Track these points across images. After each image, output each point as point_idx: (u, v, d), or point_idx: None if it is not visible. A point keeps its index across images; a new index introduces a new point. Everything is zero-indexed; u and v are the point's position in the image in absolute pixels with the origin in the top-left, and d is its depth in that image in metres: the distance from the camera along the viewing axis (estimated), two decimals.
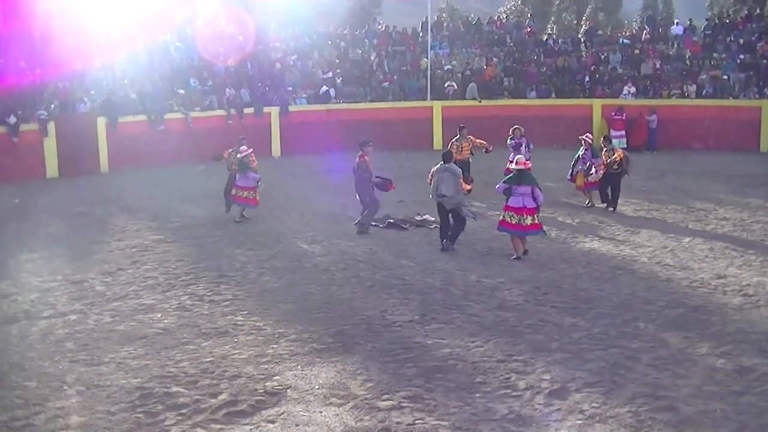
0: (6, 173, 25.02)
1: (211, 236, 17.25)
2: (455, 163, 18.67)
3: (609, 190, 19.60)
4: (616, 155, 19.38)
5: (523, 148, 20.77)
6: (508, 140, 21.41)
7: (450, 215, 16.00)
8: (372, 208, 17.62)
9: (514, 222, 15.16)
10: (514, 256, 15.29)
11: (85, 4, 29.65)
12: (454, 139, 21.41)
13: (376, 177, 17.75)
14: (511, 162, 17.09)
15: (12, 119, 25.49)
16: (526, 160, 16.11)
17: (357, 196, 17.83)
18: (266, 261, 15.17)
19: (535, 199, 15.11)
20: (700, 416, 8.50)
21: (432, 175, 16.09)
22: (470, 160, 21.53)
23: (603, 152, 19.73)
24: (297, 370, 9.89)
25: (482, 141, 21.57)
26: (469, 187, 16.47)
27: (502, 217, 15.46)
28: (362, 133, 20.57)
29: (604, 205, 19.70)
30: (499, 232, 15.77)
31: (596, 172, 19.59)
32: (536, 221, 15.33)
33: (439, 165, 16.06)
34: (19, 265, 15.26)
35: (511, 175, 15.74)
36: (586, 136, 20.44)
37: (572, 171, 20.34)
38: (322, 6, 45.12)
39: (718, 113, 31.14)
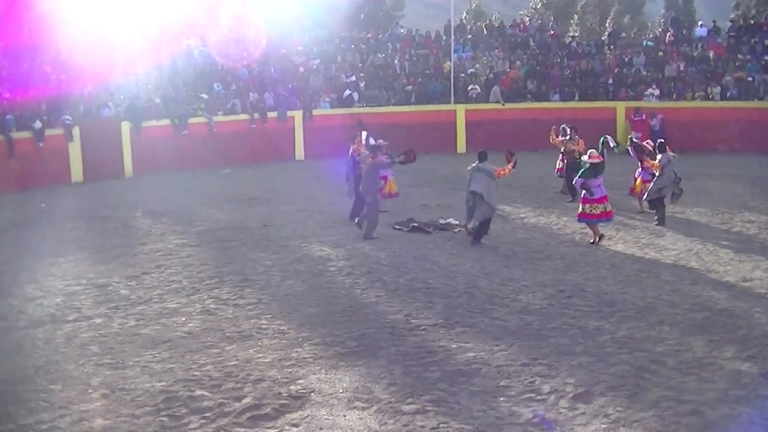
0: (32, 178, 25.22)
1: (235, 240, 17.28)
2: (566, 161, 19.96)
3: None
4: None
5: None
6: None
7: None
8: (373, 215, 17.42)
9: (598, 211, 16.50)
10: (593, 241, 16.62)
11: (109, 10, 29.84)
12: (564, 138, 21.64)
13: (400, 155, 18.08)
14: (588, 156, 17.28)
15: (37, 124, 25.68)
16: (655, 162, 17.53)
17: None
18: (290, 265, 15.18)
19: None
20: (725, 421, 8.44)
21: (468, 172, 17.04)
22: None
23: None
24: (321, 373, 9.90)
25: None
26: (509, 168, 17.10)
27: (582, 210, 16.53)
28: (385, 137, 20.54)
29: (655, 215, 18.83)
30: (580, 222, 17.09)
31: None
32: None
33: (475, 163, 16.84)
34: (44, 269, 15.35)
35: (586, 168, 16.59)
36: (647, 143, 20.16)
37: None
38: (344, 10, 45.20)
39: (743, 115, 30.91)
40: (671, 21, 40.96)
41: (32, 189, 24.49)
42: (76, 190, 25.02)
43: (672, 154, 18.67)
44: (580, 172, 16.80)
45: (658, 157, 18.46)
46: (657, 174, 18.32)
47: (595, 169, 16.43)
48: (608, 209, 16.60)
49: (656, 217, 18.65)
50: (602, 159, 16.84)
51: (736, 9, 52.13)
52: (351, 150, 19.64)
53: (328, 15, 42.17)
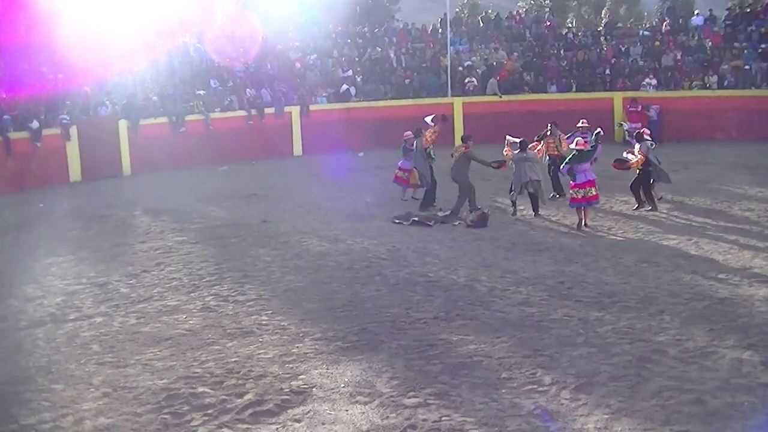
0: (30, 178, 25.20)
1: (235, 237, 17.27)
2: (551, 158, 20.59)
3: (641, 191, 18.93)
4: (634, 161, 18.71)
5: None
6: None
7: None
8: (466, 197, 18.71)
9: (581, 196, 17.25)
10: (576, 225, 17.41)
11: (105, 9, 29.80)
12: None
13: (494, 162, 19.19)
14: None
15: (35, 124, 25.65)
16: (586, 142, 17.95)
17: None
18: (290, 260, 15.17)
19: (595, 159, 18.00)
20: (727, 409, 8.44)
21: (512, 160, 18.76)
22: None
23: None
24: (322, 368, 9.90)
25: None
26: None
27: (572, 194, 17.54)
28: (383, 131, 20.62)
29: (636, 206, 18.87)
30: (571, 208, 17.87)
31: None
32: (597, 191, 17.49)
33: (517, 152, 18.58)
34: (44, 268, 15.35)
35: (572, 155, 17.43)
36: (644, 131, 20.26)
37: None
38: (340, 5, 45.12)
39: (740, 104, 30.84)
40: (667, 10, 40.86)
41: (30, 189, 24.48)
42: (75, 190, 25.00)
43: (649, 141, 19.01)
44: (567, 158, 17.70)
45: (637, 146, 18.52)
46: (644, 165, 18.42)
47: (580, 156, 17.23)
48: (589, 194, 17.21)
49: (650, 206, 18.70)
50: (589, 147, 17.55)
51: None
52: (417, 143, 20.03)
53: (323, 11, 42.10)
